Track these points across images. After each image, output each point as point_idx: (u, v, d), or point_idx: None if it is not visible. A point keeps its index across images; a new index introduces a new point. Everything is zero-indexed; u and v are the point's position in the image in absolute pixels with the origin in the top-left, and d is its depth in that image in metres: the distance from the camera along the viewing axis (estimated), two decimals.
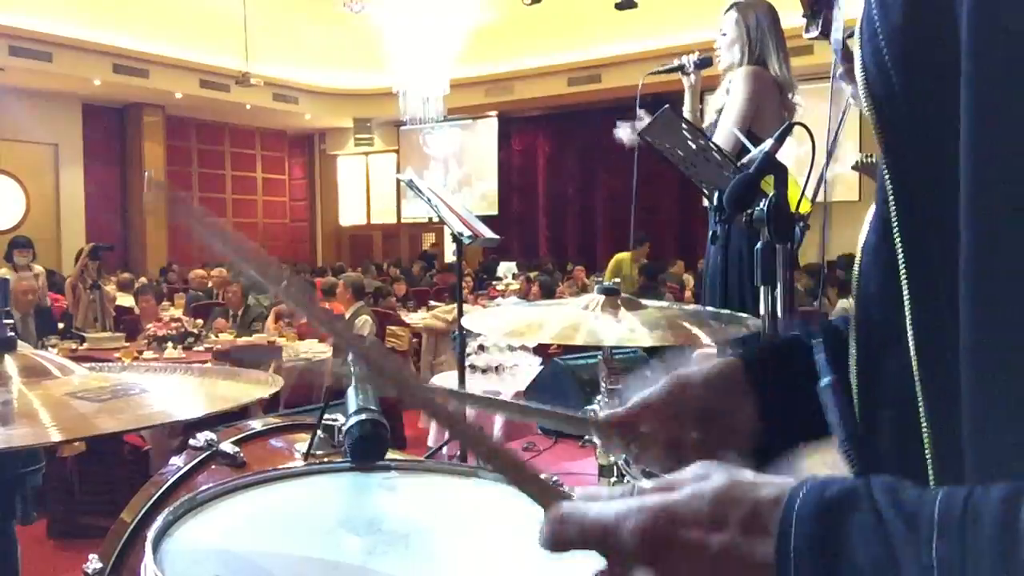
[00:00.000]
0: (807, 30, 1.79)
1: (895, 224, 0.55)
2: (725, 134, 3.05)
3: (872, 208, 0.61)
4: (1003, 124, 0.46)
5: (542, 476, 0.58)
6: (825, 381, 0.55)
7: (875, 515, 0.44)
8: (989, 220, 0.47)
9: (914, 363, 0.54)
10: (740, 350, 0.79)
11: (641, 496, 0.50)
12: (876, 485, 0.45)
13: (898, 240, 0.55)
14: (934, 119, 0.51)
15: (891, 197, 0.56)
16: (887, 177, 0.56)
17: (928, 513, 0.43)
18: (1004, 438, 0.47)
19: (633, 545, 0.47)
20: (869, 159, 3.45)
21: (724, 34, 3.26)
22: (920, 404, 0.54)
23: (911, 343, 0.54)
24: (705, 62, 3.33)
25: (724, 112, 3.17)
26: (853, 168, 3.61)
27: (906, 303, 0.55)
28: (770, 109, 3.13)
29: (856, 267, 0.63)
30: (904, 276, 0.55)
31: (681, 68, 3.36)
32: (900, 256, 0.55)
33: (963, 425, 0.49)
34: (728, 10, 3.27)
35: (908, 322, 0.55)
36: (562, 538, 0.50)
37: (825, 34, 1.78)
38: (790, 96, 3.16)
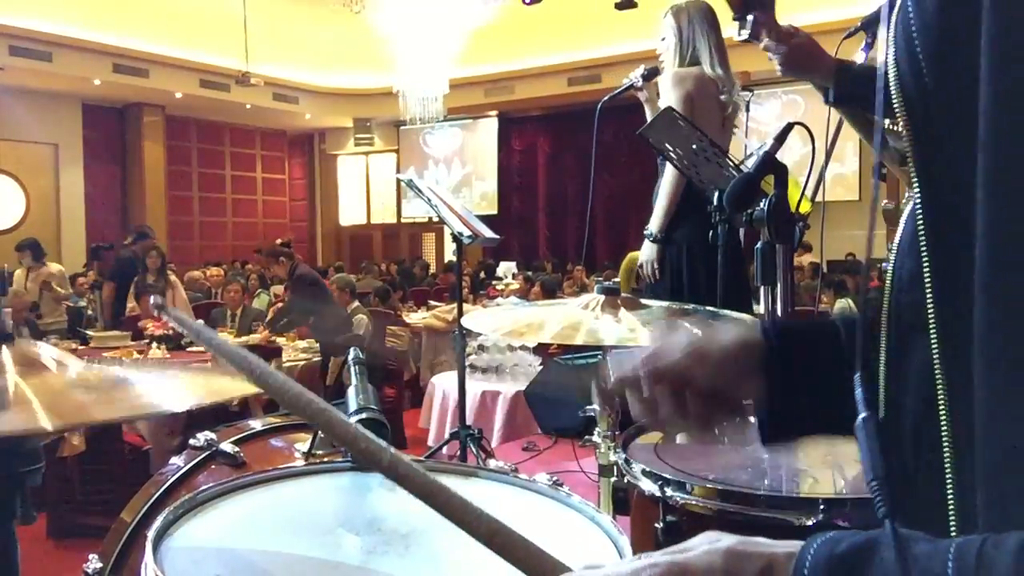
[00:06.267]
0: (738, 33, 1.81)
1: (919, 215, 0.56)
2: None
3: (909, 199, 0.62)
4: (1018, 122, 0.47)
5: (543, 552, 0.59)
6: (860, 418, 0.55)
7: (887, 569, 0.44)
8: (1003, 215, 0.48)
9: (935, 353, 0.55)
10: (768, 327, 0.77)
11: (651, 557, 0.51)
12: (886, 539, 0.45)
13: (922, 230, 0.56)
14: (963, 113, 0.51)
15: (916, 189, 0.57)
16: (913, 170, 0.57)
17: (941, 566, 0.43)
18: (1013, 428, 0.47)
19: None
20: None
21: (663, 39, 3.28)
22: (940, 394, 0.55)
23: (933, 334, 0.55)
24: (652, 72, 3.34)
25: None
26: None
27: (928, 293, 0.56)
28: (706, 107, 3.12)
29: (891, 257, 0.64)
30: (927, 265, 0.56)
31: (632, 86, 3.38)
32: (923, 245, 0.56)
33: (976, 415, 0.50)
34: (665, 15, 3.29)
35: (930, 312, 0.55)
36: None
37: (755, 36, 1.80)
38: (728, 95, 3.15)
